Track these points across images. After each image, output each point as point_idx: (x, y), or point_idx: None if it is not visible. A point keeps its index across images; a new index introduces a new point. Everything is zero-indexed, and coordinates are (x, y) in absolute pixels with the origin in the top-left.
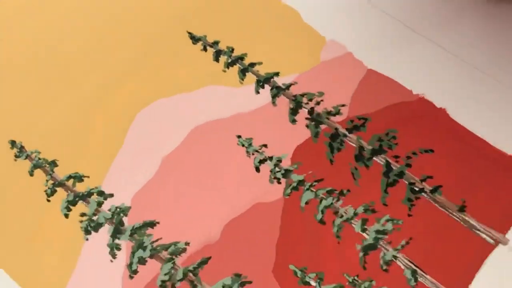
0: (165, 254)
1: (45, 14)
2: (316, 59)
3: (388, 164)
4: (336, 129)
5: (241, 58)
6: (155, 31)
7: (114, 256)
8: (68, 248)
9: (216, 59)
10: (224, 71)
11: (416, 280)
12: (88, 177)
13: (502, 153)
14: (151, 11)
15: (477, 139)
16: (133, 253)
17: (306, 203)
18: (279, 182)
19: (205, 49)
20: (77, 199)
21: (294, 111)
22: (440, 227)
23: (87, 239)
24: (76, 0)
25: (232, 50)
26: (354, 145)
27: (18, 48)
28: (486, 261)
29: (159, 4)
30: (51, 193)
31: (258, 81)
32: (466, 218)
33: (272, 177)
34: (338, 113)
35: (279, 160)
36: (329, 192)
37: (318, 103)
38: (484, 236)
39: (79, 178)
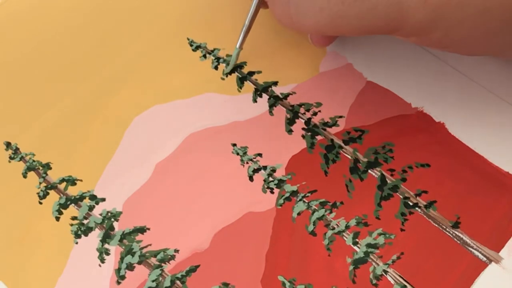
0: (153, 261)
1: (44, 18)
2: (316, 69)
3: (382, 178)
4: (332, 140)
5: (240, 66)
6: (154, 36)
7: (102, 260)
8: (57, 250)
9: (215, 67)
10: (223, 78)
11: None
12: (81, 180)
13: (498, 169)
14: (150, 16)
15: (474, 155)
16: (121, 259)
17: (298, 214)
18: (272, 192)
19: (204, 57)
20: (69, 202)
21: (291, 121)
22: (433, 242)
23: (76, 243)
24: (75, 4)
25: None
26: (349, 157)
27: (15, 51)
28: (477, 279)
29: (158, 10)
30: (43, 195)
31: (256, 90)
32: (459, 235)
33: (266, 186)
34: (335, 124)
35: (273, 170)
36: (322, 204)
37: (315, 114)
38: (476, 253)
39: (72, 181)
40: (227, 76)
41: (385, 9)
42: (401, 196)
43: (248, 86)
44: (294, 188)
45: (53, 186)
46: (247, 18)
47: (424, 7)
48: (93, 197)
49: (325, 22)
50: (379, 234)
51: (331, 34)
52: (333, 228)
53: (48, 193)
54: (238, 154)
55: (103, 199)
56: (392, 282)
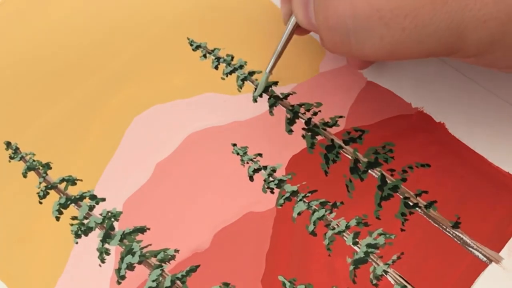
0: (154, 261)
1: (44, 18)
2: (316, 69)
3: (383, 178)
4: (332, 140)
5: (240, 66)
6: (154, 36)
7: (103, 260)
8: (57, 250)
9: (216, 66)
10: (223, 78)
11: None
12: (81, 180)
13: (498, 169)
14: (150, 16)
15: (475, 155)
16: (122, 259)
17: (299, 214)
18: (272, 192)
19: (204, 56)
20: (69, 202)
21: (291, 121)
22: (433, 243)
23: (77, 243)
24: (75, 4)
25: (232, 58)
26: (349, 157)
27: (16, 51)
28: (477, 279)
29: (159, 10)
30: (43, 195)
31: (256, 90)
32: (460, 235)
33: (266, 186)
34: (335, 124)
35: (274, 170)
36: (322, 204)
37: (315, 114)
38: (477, 253)
39: (72, 181)
40: (256, 101)
41: (445, 32)
42: (401, 196)
43: (248, 86)
44: (294, 188)
45: (53, 186)
46: (279, 44)
47: (483, 28)
48: (93, 197)
49: (385, 50)
50: (379, 234)
51: (390, 60)
52: (333, 228)
53: (48, 193)
54: (238, 154)
55: (103, 199)
56: (392, 282)
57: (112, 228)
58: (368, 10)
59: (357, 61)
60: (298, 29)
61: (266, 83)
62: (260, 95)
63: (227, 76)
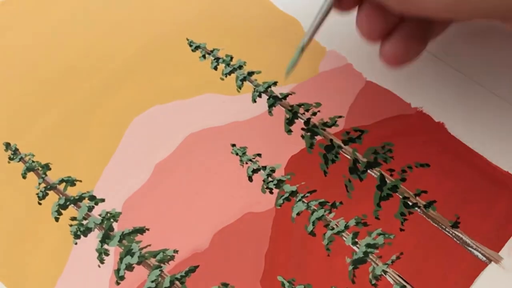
0: (153, 261)
1: (43, 18)
2: (315, 69)
3: (382, 178)
4: (331, 140)
5: (239, 66)
6: (154, 37)
7: (102, 261)
8: (56, 251)
9: (215, 67)
10: (222, 79)
11: None
12: (81, 181)
13: (498, 169)
14: (150, 17)
15: (474, 154)
16: (121, 259)
17: (298, 214)
18: (271, 192)
19: (204, 57)
20: (68, 203)
21: (290, 121)
22: (432, 242)
23: (76, 243)
24: (74, 5)
25: (231, 58)
26: (349, 157)
27: (15, 52)
28: (477, 279)
29: (158, 10)
30: (42, 196)
31: (255, 90)
32: (459, 235)
33: (265, 186)
34: (334, 124)
35: (273, 170)
36: (321, 204)
37: (314, 114)
38: (476, 253)
39: (71, 182)
40: (226, 76)
41: None
42: (400, 196)
43: (248, 86)
44: (294, 188)
45: (52, 187)
46: (316, 18)
47: None
48: (92, 198)
49: (448, 4)
50: (379, 234)
51: (448, 17)
52: (333, 228)
53: (47, 194)
54: (237, 154)
55: (103, 200)
56: (392, 282)
57: (111, 228)
58: None
59: (374, 31)
60: (339, 1)
61: (299, 59)
62: (260, 95)
63: (226, 76)
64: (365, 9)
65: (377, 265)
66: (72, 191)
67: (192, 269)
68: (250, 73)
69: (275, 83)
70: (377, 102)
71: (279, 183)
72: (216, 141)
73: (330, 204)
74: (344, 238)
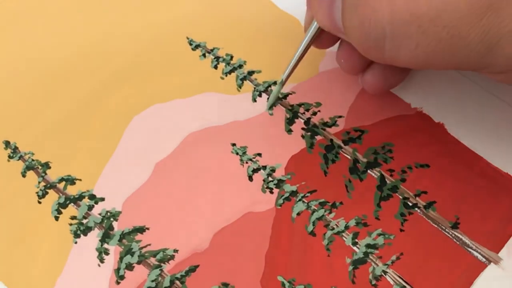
0: (153, 261)
1: (43, 17)
2: (315, 69)
3: (382, 178)
4: (332, 140)
5: (239, 66)
6: (154, 35)
7: (102, 260)
8: (56, 250)
9: (215, 66)
10: (222, 78)
11: None
12: (81, 180)
13: (497, 170)
14: (150, 16)
15: (474, 155)
16: (121, 259)
17: (298, 214)
18: (271, 192)
19: (204, 56)
20: (68, 202)
21: (290, 121)
22: (432, 243)
23: (76, 242)
24: (75, 3)
25: (231, 57)
26: (349, 157)
27: (15, 50)
28: (476, 280)
29: (158, 9)
30: (42, 195)
31: (255, 90)
32: (459, 235)
33: (265, 186)
34: (334, 124)
35: (273, 170)
36: (321, 204)
37: (314, 114)
38: (476, 254)
39: (71, 180)
40: (226, 76)
41: (477, 45)
42: (400, 197)
43: (248, 85)
44: (294, 188)
45: (52, 186)
46: (296, 53)
47: None
48: (92, 197)
49: (419, 58)
50: (379, 235)
51: (420, 68)
52: (333, 229)
53: (47, 193)
54: (237, 154)
55: (103, 199)
56: (392, 282)
57: (111, 228)
58: (407, 17)
59: (352, 67)
60: (318, 39)
61: (279, 93)
62: (260, 95)
63: (226, 75)
64: (344, 48)
65: (377, 265)
66: (72, 190)
67: (192, 269)
68: (250, 72)
69: (275, 83)
70: (377, 102)
71: (279, 183)
72: (216, 140)
73: (330, 204)
74: (344, 238)
